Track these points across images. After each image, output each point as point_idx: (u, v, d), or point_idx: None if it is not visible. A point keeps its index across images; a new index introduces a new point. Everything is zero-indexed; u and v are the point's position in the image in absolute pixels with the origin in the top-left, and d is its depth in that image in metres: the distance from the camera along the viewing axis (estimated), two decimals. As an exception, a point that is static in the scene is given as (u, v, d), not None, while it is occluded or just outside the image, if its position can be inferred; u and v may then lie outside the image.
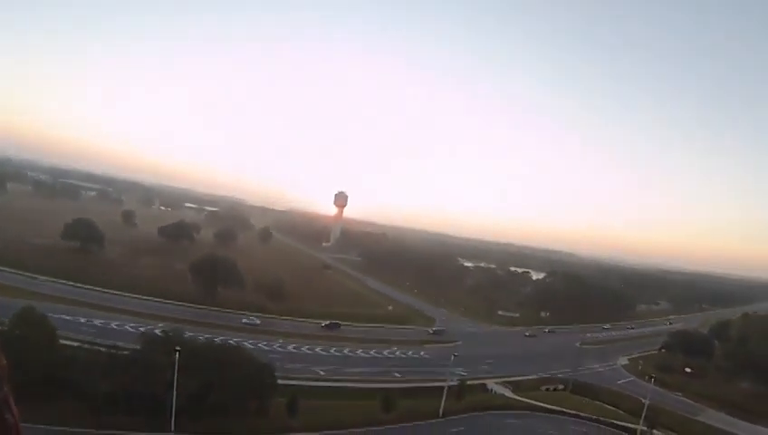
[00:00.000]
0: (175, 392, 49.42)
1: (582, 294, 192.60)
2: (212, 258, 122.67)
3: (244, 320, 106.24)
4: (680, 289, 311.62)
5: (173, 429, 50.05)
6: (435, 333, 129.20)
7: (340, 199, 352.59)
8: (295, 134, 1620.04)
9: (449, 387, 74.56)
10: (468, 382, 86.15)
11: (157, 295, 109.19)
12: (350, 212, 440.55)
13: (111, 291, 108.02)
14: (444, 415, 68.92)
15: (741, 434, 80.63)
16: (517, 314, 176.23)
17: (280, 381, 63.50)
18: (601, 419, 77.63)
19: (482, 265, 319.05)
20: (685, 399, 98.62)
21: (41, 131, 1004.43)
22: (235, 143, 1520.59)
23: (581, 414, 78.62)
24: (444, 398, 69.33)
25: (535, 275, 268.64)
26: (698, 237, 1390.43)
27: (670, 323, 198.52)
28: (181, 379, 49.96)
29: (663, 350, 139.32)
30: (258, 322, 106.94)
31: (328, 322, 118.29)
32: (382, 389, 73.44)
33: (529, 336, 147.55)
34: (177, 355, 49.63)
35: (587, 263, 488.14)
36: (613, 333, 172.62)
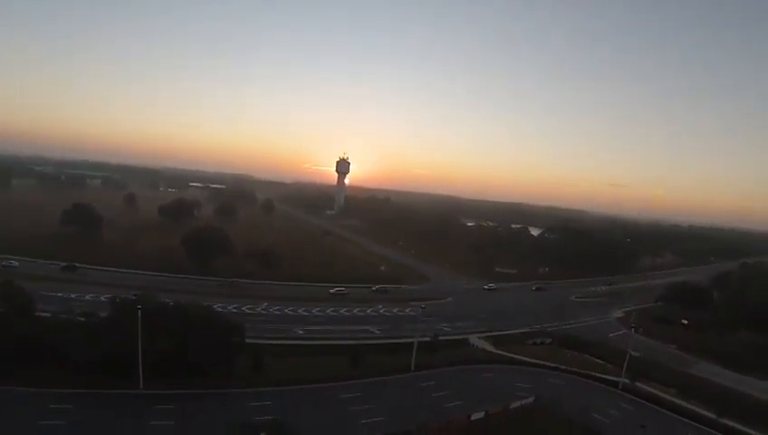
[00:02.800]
0: (140, 350, 51.68)
1: (583, 248, 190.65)
2: (201, 230, 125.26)
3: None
4: (689, 242, 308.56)
5: (142, 386, 52.60)
6: (378, 291, 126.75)
7: (342, 166, 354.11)
8: (303, 107, 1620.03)
9: (429, 342, 76.20)
10: (451, 338, 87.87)
11: (150, 270, 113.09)
12: (358, 179, 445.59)
13: (106, 268, 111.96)
14: (415, 369, 69.27)
15: (728, 384, 78.10)
16: (515, 271, 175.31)
17: (256, 341, 66.04)
18: (581, 371, 77.13)
19: (484, 223, 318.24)
20: (678, 351, 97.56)
21: (51, 128, 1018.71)
22: (244, 120, 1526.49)
23: (560, 367, 77.80)
24: (414, 352, 69.75)
25: (536, 232, 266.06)
26: (710, 192, 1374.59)
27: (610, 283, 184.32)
28: (151, 339, 52.15)
29: (659, 302, 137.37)
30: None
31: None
32: (355, 345, 74.19)
33: (488, 290, 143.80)
34: (140, 314, 51.91)
35: (595, 219, 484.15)
36: (613, 286, 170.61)
